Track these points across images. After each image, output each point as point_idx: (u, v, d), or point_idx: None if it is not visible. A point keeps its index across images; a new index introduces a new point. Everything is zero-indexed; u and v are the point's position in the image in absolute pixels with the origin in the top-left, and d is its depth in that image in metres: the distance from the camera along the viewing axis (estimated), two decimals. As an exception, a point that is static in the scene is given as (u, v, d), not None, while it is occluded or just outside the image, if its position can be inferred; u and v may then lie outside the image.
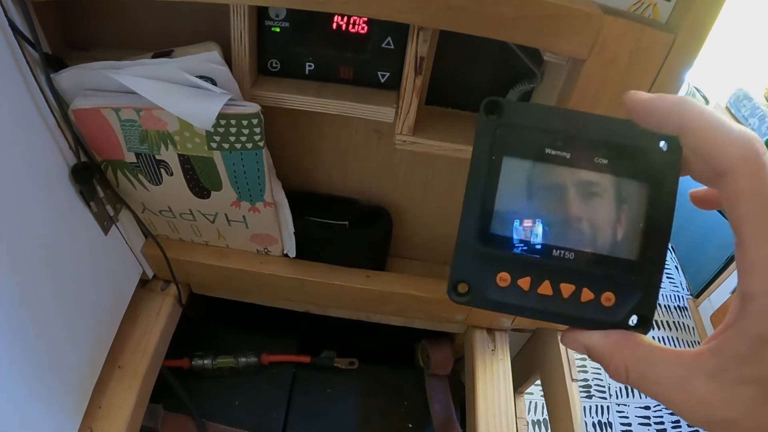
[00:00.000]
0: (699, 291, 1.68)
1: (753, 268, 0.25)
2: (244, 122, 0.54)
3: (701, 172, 0.29)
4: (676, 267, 1.84)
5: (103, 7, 0.57)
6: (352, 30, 0.52)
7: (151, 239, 0.70)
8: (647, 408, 1.43)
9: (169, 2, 0.53)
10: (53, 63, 0.54)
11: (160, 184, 0.63)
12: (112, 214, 0.65)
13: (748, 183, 0.25)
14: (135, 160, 0.60)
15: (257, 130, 0.55)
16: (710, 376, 0.26)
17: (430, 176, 0.68)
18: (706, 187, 0.31)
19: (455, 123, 0.59)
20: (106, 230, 0.65)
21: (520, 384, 0.95)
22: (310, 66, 0.55)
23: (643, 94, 0.29)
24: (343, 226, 0.68)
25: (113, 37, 0.59)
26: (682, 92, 1.84)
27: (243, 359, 0.81)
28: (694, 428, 1.42)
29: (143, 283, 0.75)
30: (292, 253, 0.70)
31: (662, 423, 1.42)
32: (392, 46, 0.53)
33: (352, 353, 0.87)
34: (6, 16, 0.46)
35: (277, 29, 0.53)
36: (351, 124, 0.63)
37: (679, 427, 1.42)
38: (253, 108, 0.53)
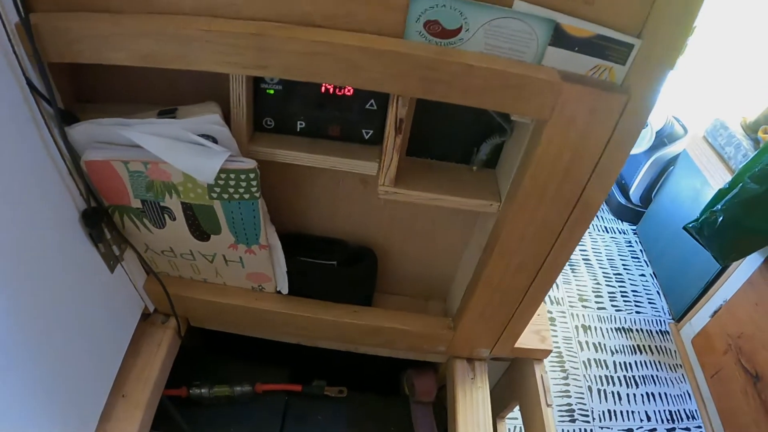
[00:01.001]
0: (680, 315, 1.73)
1: None
2: (242, 176, 0.59)
3: None
4: (658, 292, 1.90)
5: (112, 66, 0.63)
6: (339, 93, 0.58)
7: (153, 276, 0.75)
8: (630, 430, 1.47)
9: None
10: (66, 117, 0.59)
11: (164, 227, 0.68)
12: (117, 253, 0.70)
13: None
14: (141, 206, 0.65)
15: (254, 183, 0.60)
16: None
17: (412, 220, 0.73)
18: None
19: (433, 174, 0.65)
20: (112, 269, 0.70)
21: (501, 410, 0.99)
22: (301, 124, 0.61)
23: None
24: (332, 266, 0.73)
25: (121, 92, 0.64)
26: (660, 122, 1.87)
27: (238, 388, 0.85)
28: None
29: (145, 316, 0.79)
30: (285, 290, 0.75)
31: (647, 444, 1.45)
32: (375, 107, 0.58)
33: (341, 382, 0.91)
34: (24, 75, 0.51)
35: (272, 92, 0.59)
36: (339, 174, 0.68)
37: (663, 446, 1.46)
38: (250, 164, 0.58)
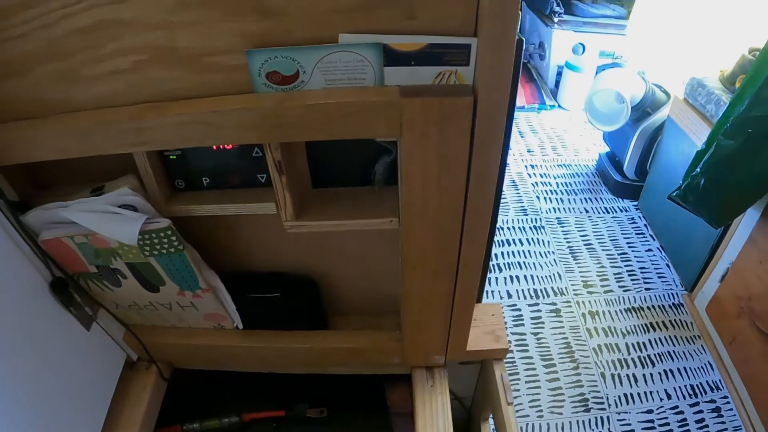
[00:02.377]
0: (692, 285, 1.65)
1: None
2: (162, 234, 0.65)
3: None
4: (668, 265, 1.81)
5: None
6: (228, 147, 0.63)
7: (128, 330, 0.81)
8: (650, 412, 1.41)
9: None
10: (20, 207, 0.67)
11: (120, 286, 0.75)
12: (90, 313, 0.78)
13: None
14: (96, 270, 0.72)
15: (173, 238, 0.66)
16: None
17: (340, 245, 0.77)
18: None
19: (338, 201, 0.69)
20: (87, 327, 0.77)
21: (481, 412, 0.99)
22: (206, 180, 0.66)
23: None
24: (276, 298, 0.78)
25: (67, 176, 0.73)
26: (638, 93, 1.82)
27: (226, 420, 0.90)
28: (704, 424, 1.39)
29: (131, 364, 0.86)
30: (240, 326, 0.80)
31: (668, 424, 1.39)
32: (261, 154, 0.63)
33: (327, 402, 0.95)
34: None
35: (174, 157, 0.65)
36: (257, 215, 0.73)
37: (686, 425, 1.38)
38: (164, 223, 0.65)
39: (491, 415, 1.02)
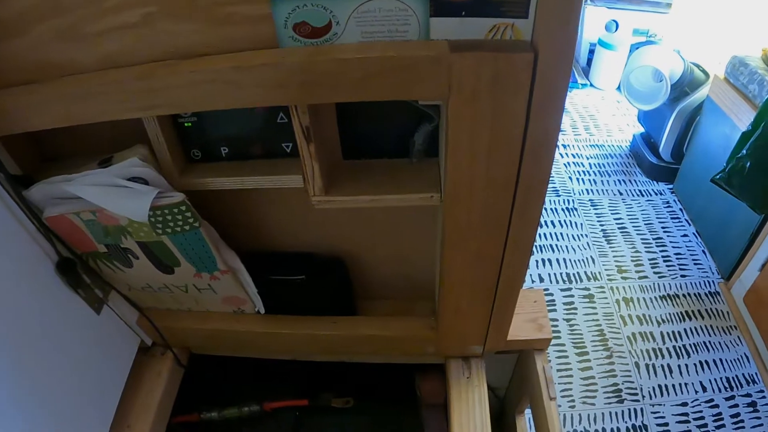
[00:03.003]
0: (729, 273, 1.55)
1: None
2: (175, 210, 0.58)
3: None
4: (704, 252, 1.71)
5: (59, 128, 0.64)
6: (249, 113, 0.55)
7: (141, 313, 0.75)
8: (684, 405, 1.33)
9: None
10: (23, 181, 0.61)
11: (132, 267, 0.68)
12: (101, 296, 0.71)
13: None
14: (106, 250, 0.66)
15: (188, 214, 0.59)
16: None
17: (372, 223, 0.70)
18: None
19: (370, 173, 0.61)
20: (98, 310, 0.71)
21: (517, 405, 0.92)
22: (225, 150, 0.59)
23: None
24: (301, 280, 0.71)
25: (72, 147, 0.66)
26: (679, 69, 1.71)
27: (246, 408, 0.84)
28: (739, 419, 1.31)
29: (146, 350, 0.80)
30: (262, 310, 0.74)
31: (702, 418, 1.31)
32: (286, 120, 0.55)
33: (350, 391, 0.88)
34: None
35: (189, 124, 0.57)
36: (281, 189, 0.65)
37: (721, 419, 1.30)
38: (178, 197, 0.57)
39: (528, 409, 0.95)
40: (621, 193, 2.00)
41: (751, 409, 1.33)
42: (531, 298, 0.82)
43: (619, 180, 2.06)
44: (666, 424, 1.29)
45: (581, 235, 1.82)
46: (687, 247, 1.74)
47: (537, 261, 1.72)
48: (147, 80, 0.48)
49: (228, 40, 0.48)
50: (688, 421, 1.30)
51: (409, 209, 0.69)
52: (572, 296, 1.61)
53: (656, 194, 1.96)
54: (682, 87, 1.76)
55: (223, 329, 0.75)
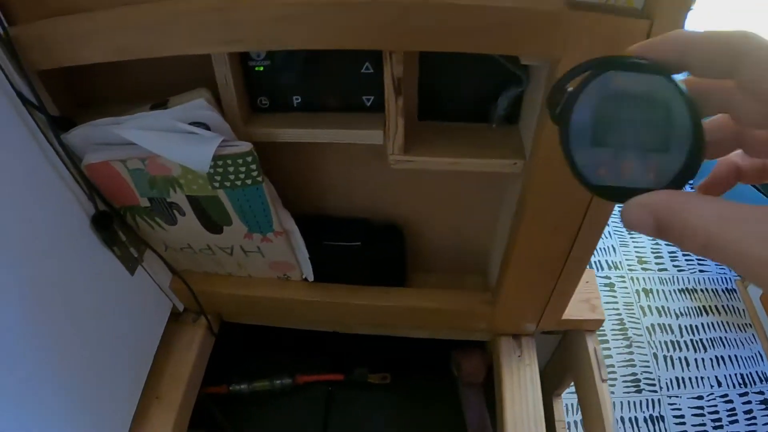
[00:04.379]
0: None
1: None
2: (240, 161, 0.54)
3: (708, 92, 0.29)
4: (723, 248, 1.72)
5: (105, 67, 0.59)
6: (331, 60, 0.51)
7: (177, 276, 0.71)
8: (700, 398, 1.34)
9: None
10: (62, 124, 0.56)
11: (176, 224, 0.63)
12: (136, 255, 0.66)
13: (763, 55, 0.24)
14: (149, 204, 0.61)
15: (253, 166, 0.54)
16: None
17: (436, 190, 0.66)
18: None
19: (448, 136, 0.57)
20: (132, 271, 0.66)
21: (556, 387, 0.91)
22: (297, 99, 0.55)
23: (643, 43, 0.30)
24: (356, 247, 0.67)
25: (117, 91, 0.61)
26: None
27: (278, 381, 0.81)
28: (752, 416, 1.32)
29: (176, 316, 0.76)
30: (311, 277, 0.70)
31: (717, 412, 1.32)
32: (372, 70, 0.52)
33: (386, 367, 0.85)
34: (14, 88, 0.48)
35: (261, 68, 0.53)
36: (349, 147, 0.62)
37: (735, 415, 1.32)
38: (245, 147, 0.53)
39: (566, 392, 0.94)
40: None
41: (764, 406, 1.34)
42: (583, 279, 0.80)
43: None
44: (682, 416, 1.29)
45: (603, 223, 1.80)
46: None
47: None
48: (228, 12, 0.44)
49: (325, -30, 0.44)
50: (703, 415, 1.31)
51: (475, 179, 0.65)
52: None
53: (676, 186, 1.96)
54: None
55: (265, 296, 0.71)
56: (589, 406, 0.76)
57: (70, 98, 0.60)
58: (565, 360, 0.85)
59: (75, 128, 0.55)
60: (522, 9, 0.41)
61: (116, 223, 0.63)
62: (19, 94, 0.49)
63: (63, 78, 0.59)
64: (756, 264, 0.23)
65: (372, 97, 0.54)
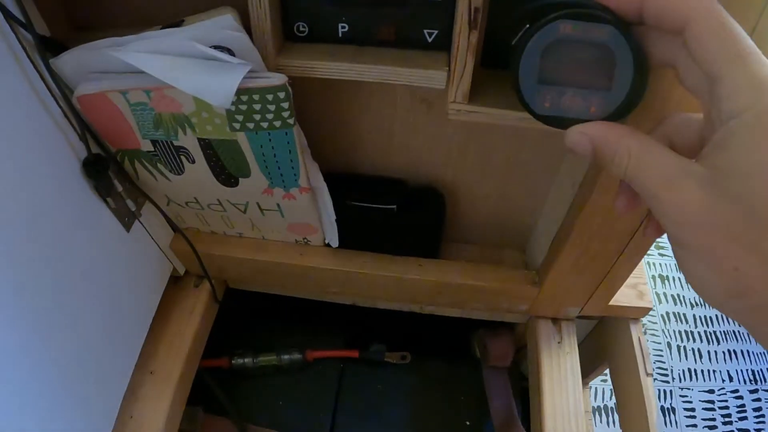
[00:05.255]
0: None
1: (738, 91, 0.27)
2: (269, 97, 0.44)
3: (662, 44, 0.32)
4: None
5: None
6: (392, -23, 0.42)
7: (179, 233, 0.62)
8: (711, 392, 1.30)
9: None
10: (52, 47, 0.46)
11: (183, 173, 0.54)
12: (133, 208, 0.57)
13: (712, 22, 0.27)
14: (152, 148, 0.52)
15: (285, 105, 0.45)
16: (699, 183, 0.27)
17: (488, 150, 0.57)
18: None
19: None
20: (128, 226, 0.57)
21: (585, 375, 0.84)
22: (343, 27, 0.45)
23: None
24: (390, 211, 0.58)
25: (122, 14, 0.50)
26: None
27: (286, 356, 0.73)
28: (761, 414, 1.29)
29: (175, 280, 0.67)
30: (335, 243, 0.61)
31: (727, 408, 1.28)
32: (439, -2, 0.42)
33: (403, 346, 0.78)
34: None
35: (302, -16, 0.43)
36: (394, 93, 0.53)
37: (744, 411, 1.28)
38: (279, 79, 0.43)
39: (594, 383, 0.87)
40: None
41: (774, 405, 1.31)
42: (632, 261, 0.72)
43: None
44: (693, 409, 1.25)
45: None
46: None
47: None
48: None
49: None
50: (713, 409, 1.27)
51: (537, 141, 0.57)
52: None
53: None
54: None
55: (280, 262, 0.62)
56: (629, 400, 0.69)
57: (65, 20, 0.50)
58: (601, 348, 0.78)
59: (67, 52, 0.45)
60: None
61: (112, 169, 0.53)
62: (1, 7, 0.39)
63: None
64: (653, 198, 0.29)
65: (435, 32, 0.44)
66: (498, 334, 0.75)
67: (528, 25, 0.35)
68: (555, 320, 0.68)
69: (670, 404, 1.25)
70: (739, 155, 0.27)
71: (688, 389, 1.29)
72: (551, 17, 0.34)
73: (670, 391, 1.28)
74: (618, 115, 0.36)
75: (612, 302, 0.67)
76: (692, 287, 0.30)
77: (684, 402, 1.26)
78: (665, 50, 0.32)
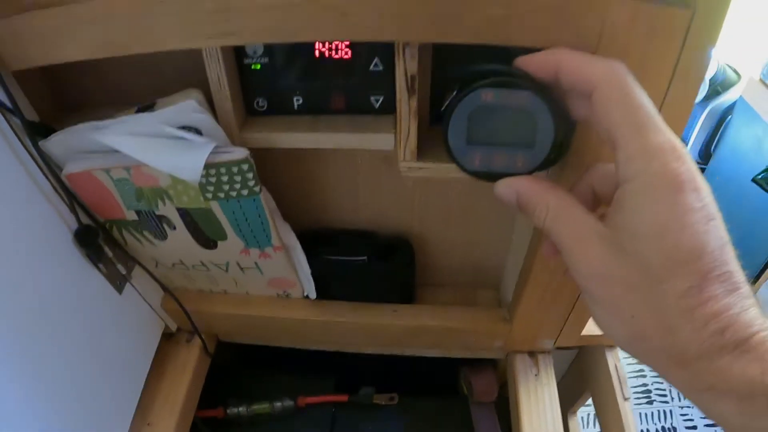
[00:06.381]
0: (755, 277, 1.51)
1: (632, 158, 0.29)
2: (234, 169, 0.47)
3: (577, 103, 0.35)
4: (729, 255, 1.67)
5: (88, 68, 0.53)
6: (336, 56, 0.45)
7: (169, 294, 0.64)
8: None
9: (149, 54, 0.47)
10: (40, 130, 0.49)
11: (166, 238, 0.57)
12: (124, 272, 0.60)
13: (614, 92, 0.30)
14: (137, 218, 0.55)
15: (249, 175, 0.48)
16: (601, 240, 0.30)
17: (448, 200, 0.60)
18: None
19: (464, 142, 0.51)
20: (120, 289, 0.60)
21: (571, 404, 0.84)
22: (298, 100, 0.48)
23: (526, 57, 0.35)
24: (362, 262, 0.61)
25: (103, 94, 0.55)
26: (711, 70, 1.65)
27: (278, 404, 0.74)
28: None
29: (168, 336, 0.70)
30: (313, 295, 0.63)
31: (731, 424, 1.26)
32: (381, 68, 0.46)
33: (392, 386, 0.79)
34: None
35: (258, 66, 0.47)
36: (355, 153, 0.56)
37: (748, 426, 1.26)
38: (241, 153, 0.47)
39: (581, 409, 0.87)
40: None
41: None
42: (603, 291, 0.74)
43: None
44: (695, 428, 1.23)
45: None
46: (712, 248, 1.68)
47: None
48: (223, -1, 0.38)
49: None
50: (715, 425, 1.25)
51: (488, 192, 0.60)
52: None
53: (680, 193, 1.90)
54: (715, 86, 1.69)
55: (264, 316, 0.65)
56: (609, 425, 0.70)
57: (52, 102, 0.54)
58: (582, 376, 0.79)
59: (54, 135, 0.49)
60: (557, -6, 0.35)
61: (101, 237, 0.56)
62: (-8, 97, 0.44)
63: (44, 80, 0.53)
64: (565, 251, 0.32)
65: (381, 98, 0.48)
66: (481, 370, 0.76)
67: (454, 93, 0.38)
68: (531, 353, 0.70)
69: (671, 424, 1.23)
70: (632, 217, 0.29)
71: (689, 407, 1.27)
72: (473, 87, 0.37)
73: (670, 411, 1.26)
74: (543, 167, 0.39)
75: (585, 332, 0.68)
76: (602, 331, 0.32)
77: (685, 421, 1.24)
78: (583, 109, 0.34)
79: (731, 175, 1.64)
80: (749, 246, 1.54)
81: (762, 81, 1.51)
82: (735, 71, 1.75)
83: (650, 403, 1.26)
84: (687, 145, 1.88)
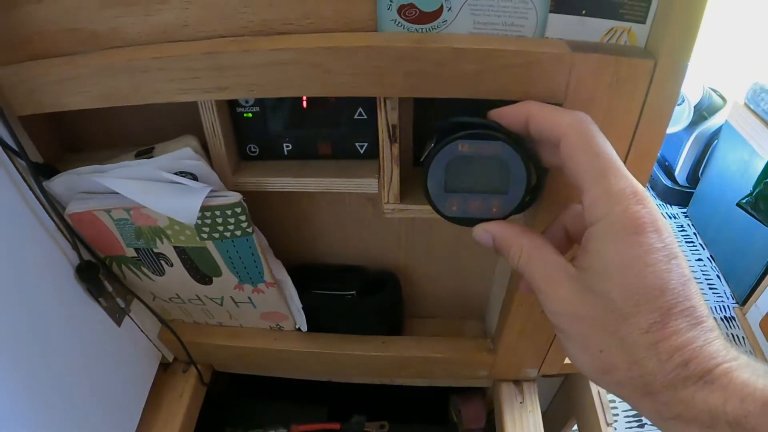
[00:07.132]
0: (745, 298, 1.52)
1: (595, 202, 0.31)
2: (228, 212, 0.50)
3: (547, 151, 0.38)
4: (718, 276, 1.67)
5: (90, 112, 0.55)
6: (322, 106, 0.48)
7: (166, 326, 0.66)
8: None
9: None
10: (44, 171, 0.52)
11: (164, 274, 0.59)
12: (123, 305, 0.62)
13: (579, 141, 0.32)
14: (136, 255, 0.57)
15: (242, 217, 0.50)
16: (570, 280, 0.32)
17: (431, 237, 0.62)
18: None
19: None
20: (119, 322, 0.62)
21: (558, 430, 0.85)
22: (288, 146, 0.51)
23: (498, 109, 0.38)
24: (350, 296, 0.63)
25: (104, 137, 0.57)
26: (697, 96, 1.68)
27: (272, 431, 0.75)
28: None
29: (165, 366, 0.71)
30: (304, 327, 0.65)
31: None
32: (365, 116, 0.48)
33: (383, 414, 0.80)
34: None
35: (249, 115, 0.49)
36: (342, 195, 0.58)
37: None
38: (234, 197, 0.49)
39: (569, 436, 0.88)
40: (634, 216, 1.94)
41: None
42: (586, 321, 0.76)
43: (633, 203, 2.00)
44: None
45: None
46: (702, 271, 1.70)
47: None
48: (216, 57, 0.41)
49: (314, 17, 0.40)
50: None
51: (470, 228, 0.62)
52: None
53: (670, 218, 1.92)
54: (701, 111, 1.73)
55: (257, 347, 0.66)
56: (594, 453, 0.71)
57: (56, 143, 0.57)
58: (567, 403, 0.80)
59: (58, 176, 0.51)
60: (525, 52, 0.38)
61: (102, 273, 0.58)
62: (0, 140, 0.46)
63: (48, 122, 0.55)
64: (538, 290, 0.34)
65: (366, 144, 0.50)
66: (469, 398, 0.78)
67: (433, 144, 0.40)
68: (516, 382, 0.71)
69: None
70: (597, 258, 0.31)
71: None
72: (449, 139, 0.39)
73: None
74: (517, 211, 0.41)
75: (567, 360, 0.70)
76: (574, 365, 0.34)
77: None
78: (553, 156, 0.36)
79: (720, 197, 1.67)
80: (742, 265, 1.56)
81: (747, 105, 1.54)
82: (721, 96, 1.79)
83: (641, 426, 1.26)
84: (675, 169, 1.91)
